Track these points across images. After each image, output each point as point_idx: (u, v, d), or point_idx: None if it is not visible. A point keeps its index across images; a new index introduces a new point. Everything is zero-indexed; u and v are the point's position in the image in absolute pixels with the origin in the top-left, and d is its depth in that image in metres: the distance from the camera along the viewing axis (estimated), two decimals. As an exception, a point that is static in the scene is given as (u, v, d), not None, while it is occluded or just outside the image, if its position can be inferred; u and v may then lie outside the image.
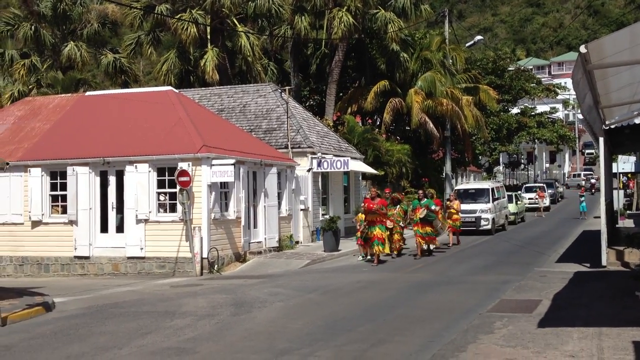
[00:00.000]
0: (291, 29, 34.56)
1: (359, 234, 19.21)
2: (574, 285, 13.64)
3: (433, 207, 20.00)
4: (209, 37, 32.42)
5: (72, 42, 34.93)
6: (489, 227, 27.39)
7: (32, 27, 34.54)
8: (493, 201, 28.16)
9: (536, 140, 60.06)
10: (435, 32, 41.44)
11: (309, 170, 24.26)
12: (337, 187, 27.31)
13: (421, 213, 19.68)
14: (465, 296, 12.78)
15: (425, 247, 20.04)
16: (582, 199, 37.12)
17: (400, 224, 20.19)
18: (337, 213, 25.26)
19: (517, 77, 52.49)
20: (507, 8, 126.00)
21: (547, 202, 43.11)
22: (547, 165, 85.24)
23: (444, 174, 38.67)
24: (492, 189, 29.06)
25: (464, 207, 26.15)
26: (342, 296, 13.36)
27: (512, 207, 32.39)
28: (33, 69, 34.64)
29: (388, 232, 18.85)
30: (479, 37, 42.92)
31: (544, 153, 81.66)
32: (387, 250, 18.78)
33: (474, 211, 27.45)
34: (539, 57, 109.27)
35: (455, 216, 23.19)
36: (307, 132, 25.52)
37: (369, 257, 19.01)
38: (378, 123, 38.81)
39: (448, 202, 23.62)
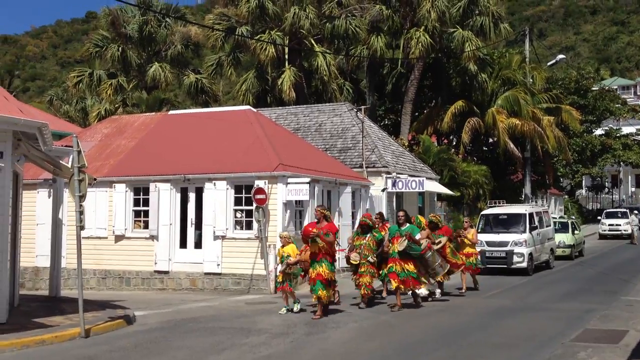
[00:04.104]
0: (367, 49, 34.70)
1: (280, 276, 14.01)
2: (664, 316, 12.90)
3: (418, 237, 13.91)
4: (286, 57, 33.00)
5: (156, 63, 36.28)
6: (524, 264, 21.26)
7: (120, 49, 36.10)
8: (531, 230, 22.12)
9: (621, 163, 57.59)
10: (515, 51, 40.64)
11: (383, 190, 24.13)
12: (411, 208, 26.98)
13: (400, 244, 13.72)
14: (547, 324, 12.31)
15: (396, 289, 13.95)
16: None
17: (369, 259, 14.23)
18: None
19: (601, 97, 50.69)
20: (591, 27, 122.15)
21: (628, 228, 39.52)
22: (633, 189, 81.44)
23: (522, 196, 37.62)
24: (530, 215, 22.57)
25: (492, 238, 21.80)
26: (417, 318, 13.13)
27: (565, 238, 27.31)
28: (119, 88, 36.14)
29: (333, 273, 13.22)
30: (561, 56, 41.86)
31: (629, 176, 78.09)
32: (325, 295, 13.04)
33: (505, 243, 21.58)
34: (624, 77, 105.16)
35: (469, 249, 17.47)
36: (382, 151, 25.44)
37: (298, 306, 13.88)
38: (454, 143, 38.28)
39: (460, 231, 17.87)
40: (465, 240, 17.45)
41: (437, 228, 15.91)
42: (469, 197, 32.68)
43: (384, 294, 15.72)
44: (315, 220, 13.35)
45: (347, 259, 14.62)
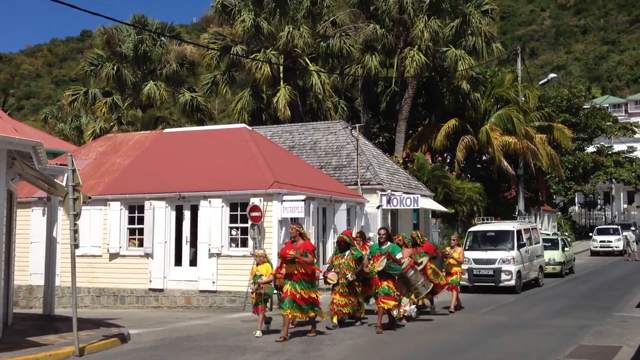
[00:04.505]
0: (362, 68, 34.96)
1: (253, 297, 13.43)
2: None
3: (399, 256, 13.34)
4: (281, 75, 33.22)
5: (151, 81, 36.41)
6: (512, 282, 20.79)
7: (115, 67, 36.21)
8: (519, 248, 21.65)
9: (613, 180, 57.99)
10: (507, 70, 41.02)
11: (378, 207, 24.21)
12: (406, 225, 27.08)
13: (379, 263, 13.12)
14: (541, 340, 12.34)
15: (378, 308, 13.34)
16: None
17: (348, 277, 13.58)
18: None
19: (593, 115, 51.17)
20: (582, 46, 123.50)
21: (620, 245, 39.87)
22: (625, 206, 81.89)
23: (516, 213, 37.77)
24: (518, 232, 22.06)
25: (479, 255, 21.36)
26: (412, 335, 13.14)
27: (555, 255, 26.97)
28: (114, 107, 36.20)
29: (316, 293, 12.70)
30: (552, 75, 42.19)
31: (621, 193, 78.60)
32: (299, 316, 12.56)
33: (492, 261, 21.11)
34: (615, 95, 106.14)
35: (455, 268, 17.14)
36: (377, 169, 25.56)
37: (260, 332, 13.01)
38: (448, 160, 38.47)
39: (447, 249, 17.63)
40: (451, 260, 17.04)
41: (418, 245, 15.39)
42: (463, 214, 32.81)
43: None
44: (291, 239, 12.64)
45: (325, 278, 14.01)
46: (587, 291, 21.73)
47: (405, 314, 14.27)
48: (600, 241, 41.05)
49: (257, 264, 13.44)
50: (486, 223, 24.17)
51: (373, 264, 13.33)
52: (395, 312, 13.64)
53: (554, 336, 12.76)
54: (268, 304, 13.56)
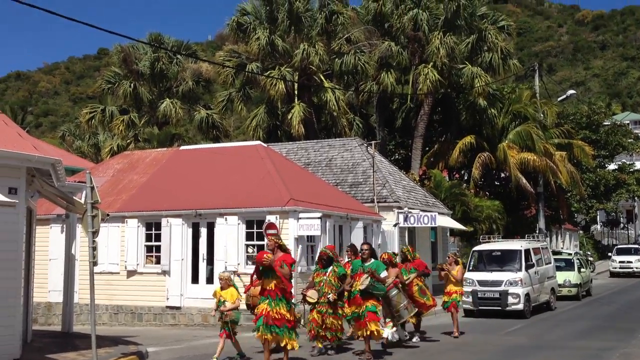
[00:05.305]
0: (377, 85, 34.95)
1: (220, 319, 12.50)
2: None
3: (383, 275, 12.23)
4: (296, 92, 33.29)
5: (167, 99, 36.65)
6: (520, 306, 19.39)
7: (131, 85, 36.49)
8: (527, 269, 20.33)
9: (636, 198, 57.23)
10: (525, 86, 40.81)
11: (395, 225, 24.02)
12: (424, 243, 26.87)
13: (362, 282, 11.98)
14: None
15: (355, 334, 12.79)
16: None
17: (329, 296, 12.54)
18: (424, 269, 24.75)
19: (614, 132, 50.61)
20: (600, 62, 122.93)
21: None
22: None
23: (537, 231, 37.36)
24: (526, 251, 20.74)
25: (484, 276, 20.19)
26: (430, 357, 12.92)
27: (571, 276, 25.64)
28: (131, 124, 36.44)
29: (293, 314, 11.03)
30: (571, 91, 41.92)
31: (644, 211, 77.61)
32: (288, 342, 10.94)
33: (499, 283, 19.80)
34: (636, 112, 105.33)
35: (452, 287, 15.89)
36: (393, 186, 25.40)
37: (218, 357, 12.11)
38: (465, 178, 38.22)
39: (445, 265, 16.38)
40: (450, 277, 15.88)
41: (408, 261, 14.66)
42: (482, 232, 32.47)
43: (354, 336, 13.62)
44: (269, 250, 11.21)
45: (304, 296, 12.92)
46: (608, 313, 21.25)
47: (385, 336, 12.88)
48: (620, 262, 39.63)
49: (222, 288, 12.36)
50: (492, 242, 22.86)
51: (355, 282, 12.15)
52: (388, 333, 12.76)
53: (580, 358, 12.49)
54: (236, 331, 12.38)
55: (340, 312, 12.82)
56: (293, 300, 11.12)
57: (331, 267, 12.75)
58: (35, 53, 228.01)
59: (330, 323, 12.53)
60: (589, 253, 36.73)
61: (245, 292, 11.97)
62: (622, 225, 69.22)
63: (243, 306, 12.75)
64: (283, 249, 11.09)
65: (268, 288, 10.73)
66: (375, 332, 11.94)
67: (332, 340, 12.75)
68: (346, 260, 14.31)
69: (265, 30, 33.16)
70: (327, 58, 32.98)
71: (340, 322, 12.82)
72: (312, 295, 12.52)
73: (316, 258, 14.61)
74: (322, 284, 12.60)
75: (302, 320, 13.65)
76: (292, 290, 11.08)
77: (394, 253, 15.41)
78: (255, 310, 11.07)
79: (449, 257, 16.77)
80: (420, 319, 14.98)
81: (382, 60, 34.55)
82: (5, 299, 11.00)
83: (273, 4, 33.97)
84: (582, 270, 27.08)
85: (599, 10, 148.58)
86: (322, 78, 33.59)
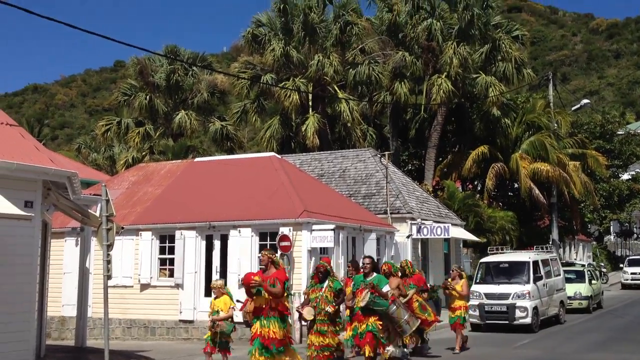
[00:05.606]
0: (390, 95, 34.98)
1: (208, 333, 12.47)
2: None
3: (386, 289, 11.25)
4: (310, 103, 33.40)
5: (182, 110, 36.90)
6: (528, 320, 18.90)
7: (147, 97, 36.75)
8: (536, 281, 19.86)
9: (651, 209, 56.62)
10: (539, 96, 40.62)
11: (408, 237, 23.97)
12: (437, 255, 26.78)
13: (363, 298, 11.03)
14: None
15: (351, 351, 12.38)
16: None
17: (328, 309, 11.88)
18: (437, 282, 24.64)
19: (628, 142, 50.25)
20: (614, 71, 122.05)
21: None
22: (663, 234, 79.89)
23: (550, 242, 37.09)
24: (535, 263, 20.35)
25: (491, 289, 19.68)
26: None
27: (582, 289, 25.20)
28: (147, 136, 36.69)
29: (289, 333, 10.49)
30: (585, 101, 41.59)
31: (659, 221, 76.72)
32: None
33: (506, 296, 19.32)
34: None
35: (458, 302, 15.40)
36: (407, 197, 25.37)
37: None
38: (479, 188, 38.07)
39: (448, 281, 15.91)
40: (454, 292, 15.33)
41: (406, 276, 14.16)
42: (495, 244, 32.29)
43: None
44: (262, 267, 10.50)
45: (299, 314, 12.26)
46: (620, 325, 20.97)
47: (390, 354, 11.62)
48: (632, 273, 38.66)
49: (216, 297, 11.99)
50: (500, 253, 22.46)
51: (357, 297, 11.17)
52: (391, 349, 11.47)
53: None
54: (230, 344, 12.04)
55: (337, 328, 12.14)
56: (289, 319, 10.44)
57: (327, 282, 12.10)
58: (53, 65, 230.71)
59: (326, 340, 11.78)
60: (602, 264, 36.19)
61: (241, 310, 11.35)
62: (635, 235, 68.49)
63: (238, 318, 12.20)
64: (276, 265, 10.28)
65: (259, 307, 10.08)
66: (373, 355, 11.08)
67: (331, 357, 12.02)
68: (347, 276, 13.85)
69: (280, 42, 33.34)
70: (341, 69, 33.09)
71: (336, 341, 12.08)
72: (308, 313, 11.81)
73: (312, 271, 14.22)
74: (317, 300, 11.95)
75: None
76: (288, 306, 10.38)
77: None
78: (250, 330, 10.39)
79: (452, 271, 16.36)
80: (423, 338, 14.56)
81: (396, 70, 34.60)
82: (20, 313, 11.05)
83: (288, 15, 34.18)
84: (593, 282, 26.57)
85: (613, 18, 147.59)
86: (336, 89, 33.68)
